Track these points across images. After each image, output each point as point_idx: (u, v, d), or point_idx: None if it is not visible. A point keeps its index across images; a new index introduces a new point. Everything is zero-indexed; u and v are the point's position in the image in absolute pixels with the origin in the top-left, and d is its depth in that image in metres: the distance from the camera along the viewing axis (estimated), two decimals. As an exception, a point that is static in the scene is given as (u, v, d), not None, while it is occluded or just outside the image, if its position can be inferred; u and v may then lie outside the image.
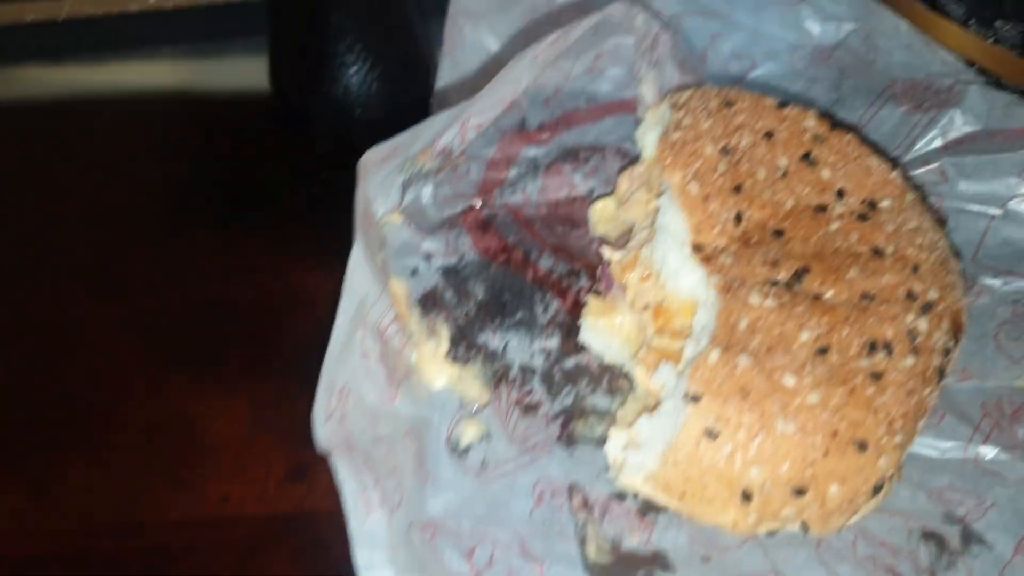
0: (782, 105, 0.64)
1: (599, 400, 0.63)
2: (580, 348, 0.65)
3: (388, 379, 0.56)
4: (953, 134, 0.74)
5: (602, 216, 0.72)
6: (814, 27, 0.84)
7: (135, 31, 0.96)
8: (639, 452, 0.52)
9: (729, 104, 0.63)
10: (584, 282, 0.69)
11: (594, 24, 0.64)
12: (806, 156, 0.61)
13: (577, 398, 0.63)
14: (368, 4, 0.71)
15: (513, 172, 0.78)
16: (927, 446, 0.59)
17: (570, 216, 0.76)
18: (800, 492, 0.49)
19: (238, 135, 0.83)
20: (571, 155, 0.79)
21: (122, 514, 0.57)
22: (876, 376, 0.51)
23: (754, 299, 0.52)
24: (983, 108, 0.73)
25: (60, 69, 0.93)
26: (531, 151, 0.80)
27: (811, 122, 0.63)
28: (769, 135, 0.62)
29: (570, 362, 0.65)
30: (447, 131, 0.64)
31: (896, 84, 0.79)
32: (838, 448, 0.48)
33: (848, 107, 0.80)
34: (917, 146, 0.76)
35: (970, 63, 0.78)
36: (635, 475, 0.52)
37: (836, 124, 0.64)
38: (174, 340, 0.66)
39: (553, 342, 0.66)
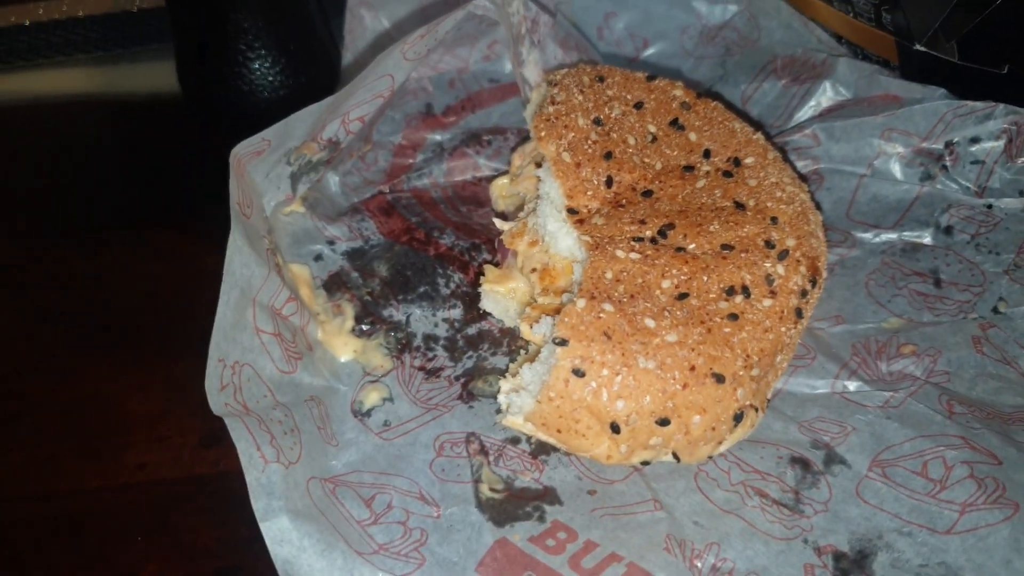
0: (651, 78, 0.68)
1: (499, 361, 0.67)
2: (482, 316, 0.69)
3: (285, 354, 0.60)
4: (825, 103, 0.80)
5: (501, 193, 0.77)
6: (702, 7, 0.89)
7: (47, 39, 0.99)
8: (520, 395, 0.56)
9: (601, 79, 0.68)
10: (485, 255, 0.74)
11: (462, 17, 0.68)
12: (674, 122, 0.66)
13: (479, 360, 0.67)
14: (266, 11, 0.75)
15: (420, 157, 0.82)
16: (802, 385, 0.64)
17: (475, 196, 0.80)
18: (664, 422, 0.53)
19: (148, 134, 0.87)
20: (475, 138, 0.83)
21: (36, 486, 0.60)
22: (734, 316, 0.55)
23: (620, 253, 0.57)
24: (851, 78, 0.79)
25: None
26: (437, 136, 0.84)
27: (679, 92, 0.68)
28: (639, 105, 0.66)
29: (472, 329, 0.69)
30: (328, 124, 0.68)
31: (777, 60, 0.85)
32: (696, 381, 0.53)
33: (732, 82, 0.86)
34: (796, 115, 0.81)
35: (839, 38, 0.84)
36: (518, 415, 0.57)
37: (702, 94, 0.69)
38: (88, 328, 0.70)
39: (456, 312, 0.70)
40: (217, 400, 0.54)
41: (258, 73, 0.77)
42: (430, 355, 0.67)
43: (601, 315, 0.54)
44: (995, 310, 0.66)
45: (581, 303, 0.54)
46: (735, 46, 0.87)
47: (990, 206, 0.71)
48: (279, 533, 0.51)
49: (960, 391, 0.62)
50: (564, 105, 0.65)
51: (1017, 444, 0.57)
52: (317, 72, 0.81)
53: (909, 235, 0.72)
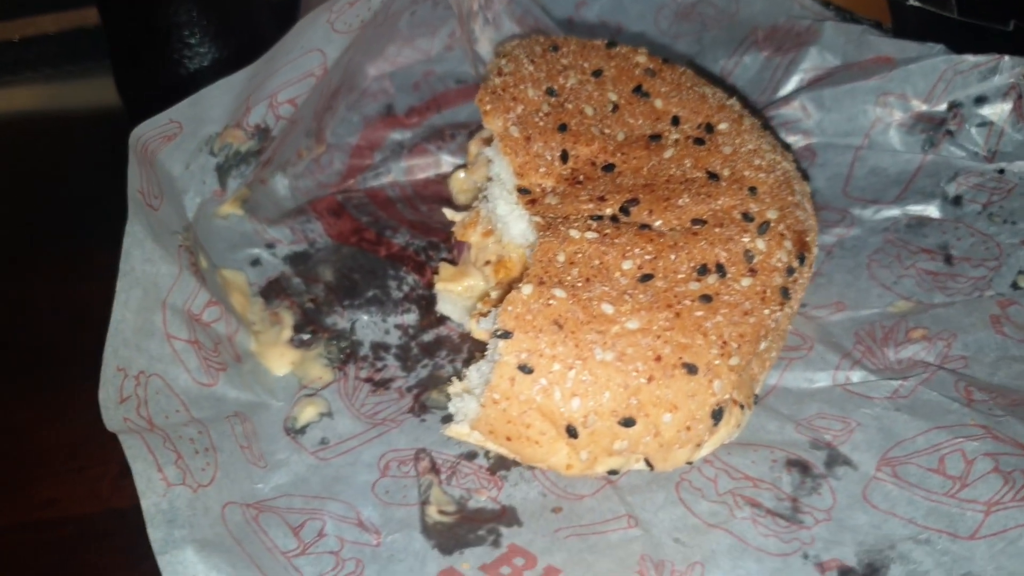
0: (611, 45, 0.62)
1: (458, 368, 0.60)
2: (440, 320, 0.62)
3: (203, 364, 0.53)
4: (814, 71, 0.73)
5: (460, 187, 0.70)
6: (677, -15, 0.82)
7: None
8: (465, 399, 0.49)
9: (556, 48, 0.61)
10: (444, 255, 0.67)
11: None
12: (637, 89, 0.59)
13: (435, 369, 0.60)
14: (199, 7, 0.69)
15: (378, 157, 0.76)
16: (799, 379, 0.57)
17: (438, 194, 0.74)
18: (628, 422, 0.46)
19: (89, 152, 0.82)
20: (437, 135, 0.77)
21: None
22: (706, 298, 0.48)
23: (574, 233, 0.50)
24: (839, 42, 0.72)
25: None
26: (396, 135, 0.77)
27: (642, 58, 0.61)
28: (597, 73, 0.60)
29: (429, 335, 0.62)
30: (254, 108, 0.61)
31: (758, 31, 0.78)
32: (663, 373, 0.45)
33: (710, 58, 0.79)
34: (783, 88, 0.74)
35: (826, 3, 0.77)
36: (463, 423, 0.49)
37: (667, 60, 0.62)
38: (8, 353, 0.63)
39: (410, 317, 0.63)
40: (114, 415, 0.47)
41: (200, 76, 0.71)
42: (379, 365, 0.60)
43: (551, 302, 0.47)
44: (1015, 285, 0.59)
45: (527, 289, 0.47)
46: (712, 21, 0.81)
47: (1002, 171, 0.64)
48: (181, 567, 0.44)
49: (980, 376, 0.54)
50: (512, 76, 0.58)
51: (1049, 432, 0.49)
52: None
53: (914, 209, 0.65)
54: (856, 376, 0.56)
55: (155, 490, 0.45)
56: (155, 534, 0.44)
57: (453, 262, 0.64)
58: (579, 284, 0.47)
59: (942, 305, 0.59)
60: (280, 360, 0.59)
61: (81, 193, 0.77)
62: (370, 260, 0.66)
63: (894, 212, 0.65)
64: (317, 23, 0.60)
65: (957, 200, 0.64)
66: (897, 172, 0.67)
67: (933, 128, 0.66)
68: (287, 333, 0.60)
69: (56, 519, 0.54)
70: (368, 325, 0.62)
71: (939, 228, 0.63)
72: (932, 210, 0.64)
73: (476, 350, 0.61)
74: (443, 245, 0.68)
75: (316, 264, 0.65)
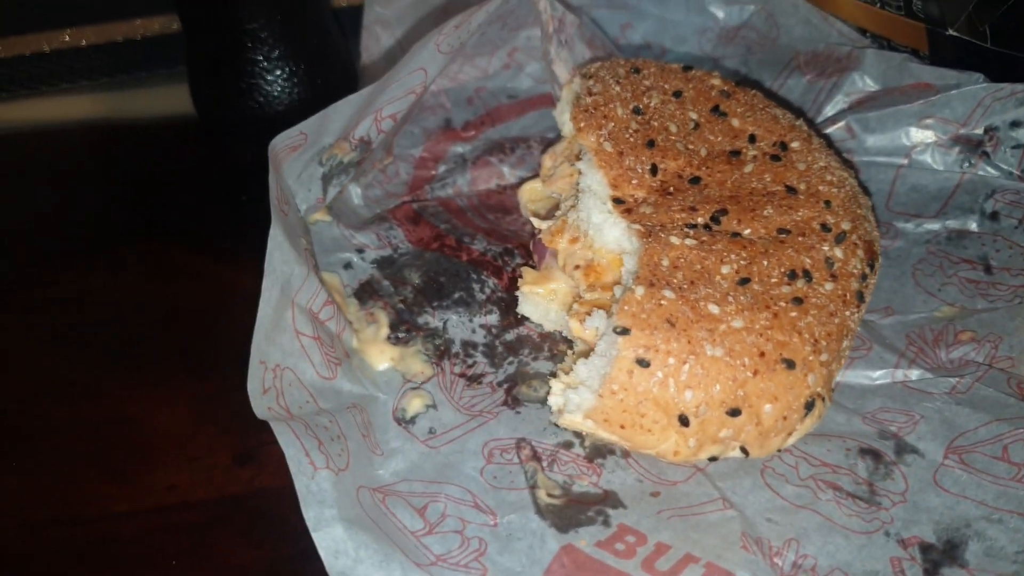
0: (687, 68, 0.67)
1: (541, 365, 0.64)
2: (519, 321, 0.67)
3: (325, 359, 0.57)
4: (855, 95, 0.78)
5: (531, 196, 0.74)
6: (719, 11, 0.88)
7: (50, 68, 0.98)
8: (578, 392, 0.53)
9: (637, 71, 0.66)
10: (519, 260, 0.71)
11: (496, 7, 0.66)
12: (715, 109, 0.64)
13: (520, 365, 0.64)
14: (283, 13, 0.73)
15: (442, 168, 0.80)
16: (860, 376, 0.62)
17: (501, 204, 0.78)
18: (735, 412, 0.50)
19: (155, 155, 0.85)
20: (497, 148, 0.81)
21: (61, 510, 0.56)
22: (798, 300, 0.53)
23: (674, 240, 0.54)
24: (880, 69, 0.78)
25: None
26: (458, 148, 0.82)
27: (716, 81, 0.66)
28: (677, 94, 0.65)
29: (511, 334, 0.66)
30: (361, 122, 0.66)
31: (799, 56, 0.83)
32: (767, 367, 0.50)
33: (756, 81, 0.84)
34: (825, 110, 0.79)
35: (863, 31, 0.83)
36: (575, 413, 0.53)
37: (740, 82, 0.67)
38: (108, 348, 0.66)
39: (493, 317, 0.67)
40: (260, 404, 0.51)
41: (275, 85, 0.75)
42: (470, 361, 0.64)
43: (662, 302, 0.51)
44: (1052, 292, 0.64)
45: (640, 290, 0.52)
46: (755, 45, 0.86)
47: (1036, 190, 0.70)
48: (333, 544, 0.47)
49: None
50: (602, 96, 0.63)
51: (1099, 422, 0.54)
52: (334, 80, 0.79)
53: (953, 223, 0.71)
54: (914, 374, 0.61)
55: (305, 472, 0.49)
56: (309, 513, 0.48)
57: (533, 267, 0.68)
58: (685, 286, 0.52)
59: (985, 310, 0.64)
60: (381, 356, 0.62)
61: (153, 197, 0.80)
62: (453, 264, 0.70)
63: (935, 226, 0.71)
64: (427, 44, 0.64)
65: (994, 215, 0.70)
66: (937, 189, 0.72)
67: (971, 149, 0.72)
68: (384, 331, 0.64)
69: (178, 504, 0.57)
70: (457, 324, 0.66)
71: (978, 240, 0.69)
72: (971, 224, 0.70)
73: (557, 348, 0.65)
74: (517, 251, 0.72)
75: (402, 268, 0.69)
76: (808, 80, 0.82)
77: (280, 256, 0.55)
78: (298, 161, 0.63)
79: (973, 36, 0.73)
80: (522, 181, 0.78)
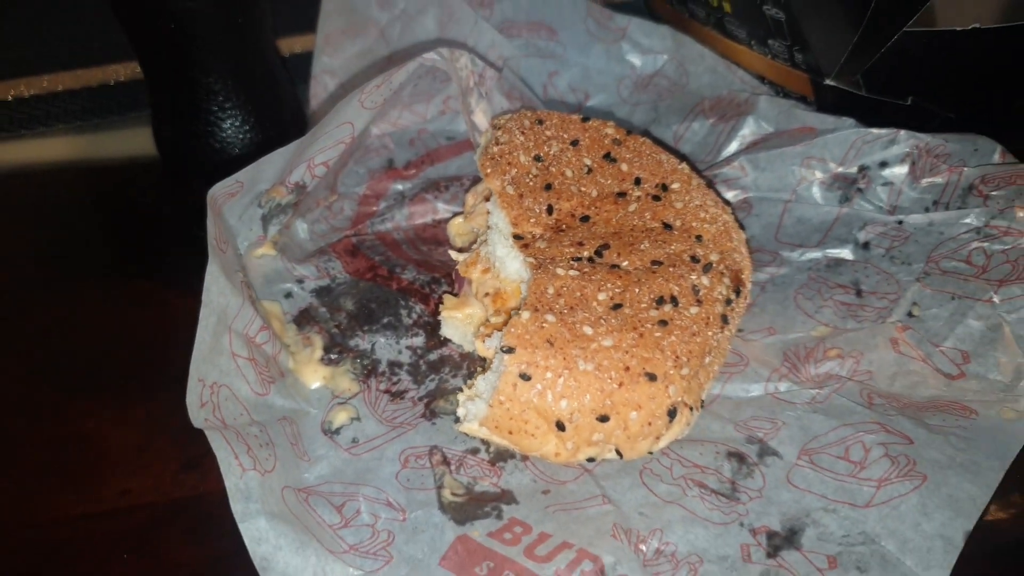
0: (585, 119, 0.76)
1: (460, 382, 0.72)
2: (443, 343, 0.75)
3: (259, 378, 0.65)
4: (750, 137, 0.88)
5: (457, 231, 0.83)
6: (635, 60, 0.97)
7: (29, 113, 1.06)
8: (475, 403, 0.62)
9: (541, 122, 0.75)
10: (444, 288, 0.80)
11: (414, 68, 0.75)
12: (607, 155, 0.73)
13: (440, 382, 0.72)
14: (235, 68, 0.82)
15: (383, 205, 0.89)
16: (737, 389, 0.70)
17: (434, 236, 0.87)
18: (604, 419, 0.59)
19: (124, 194, 0.95)
20: (434, 186, 0.90)
21: (20, 515, 0.64)
22: (663, 323, 0.61)
23: (560, 271, 0.63)
24: (772, 113, 0.87)
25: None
26: (399, 185, 0.91)
27: (610, 130, 0.75)
28: (575, 143, 0.74)
29: (434, 355, 0.74)
30: (295, 169, 0.74)
31: (705, 101, 0.93)
32: (631, 380, 0.59)
33: (665, 124, 0.94)
34: (724, 150, 0.89)
35: (762, 78, 0.92)
36: (473, 422, 0.62)
37: (631, 131, 0.76)
38: (69, 370, 0.74)
39: (418, 340, 0.75)
40: (198, 415, 0.59)
41: (229, 131, 0.83)
42: (394, 379, 0.72)
43: (544, 325, 0.60)
44: (909, 314, 0.73)
45: (526, 315, 0.60)
46: (666, 92, 0.96)
47: (901, 222, 0.78)
48: (257, 533, 0.55)
49: (880, 386, 0.68)
50: (507, 145, 0.72)
51: (928, 426, 0.63)
52: (284, 124, 0.87)
53: (832, 252, 0.79)
54: (783, 387, 0.69)
55: (234, 473, 0.57)
56: (236, 507, 0.56)
57: (454, 294, 0.77)
58: (565, 311, 0.61)
59: (853, 330, 0.73)
60: (314, 375, 0.71)
61: (119, 231, 0.88)
62: (384, 292, 0.78)
63: (816, 254, 0.80)
64: (351, 102, 0.73)
65: (866, 245, 0.78)
66: (819, 222, 0.81)
67: (847, 186, 0.81)
68: (318, 353, 0.72)
69: (130, 507, 0.64)
70: (384, 346, 0.74)
71: (852, 268, 0.78)
72: (846, 253, 0.79)
73: (475, 366, 0.73)
74: (443, 280, 0.81)
75: (338, 296, 0.78)
76: (711, 123, 0.91)
77: (216, 289, 0.63)
78: (238, 204, 0.72)
79: (848, 85, 0.83)
80: (454, 215, 0.87)
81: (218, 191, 0.68)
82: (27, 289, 0.83)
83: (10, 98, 1.05)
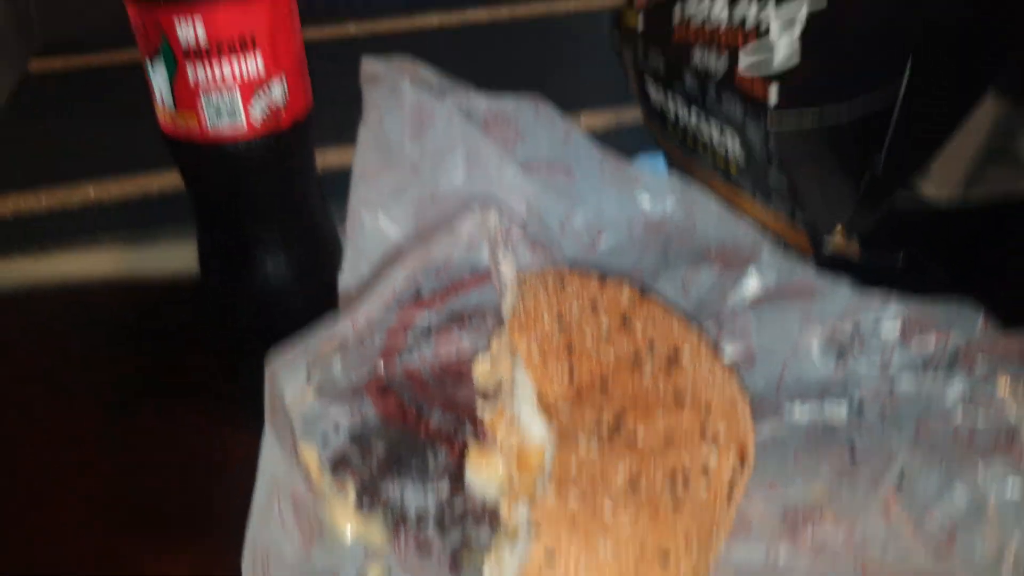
0: (603, 280, 0.82)
1: (482, 534, 0.77)
2: (466, 490, 0.80)
3: (303, 538, 0.70)
4: (753, 289, 0.94)
5: (482, 372, 0.89)
6: (646, 204, 1.04)
7: (76, 224, 1.11)
8: (504, 569, 0.67)
9: (562, 281, 0.81)
10: (469, 430, 0.85)
11: (451, 238, 0.81)
12: (623, 318, 0.79)
13: (464, 534, 0.77)
14: (281, 214, 0.88)
15: (410, 338, 0.94)
16: (740, 556, 0.75)
17: (459, 371, 0.92)
18: (621, 597, 0.64)
19: (172, 316, 0.99)
20: (458, 319, 0.96)
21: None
22: (676, 503, 0.67)
23: (582, 443, 0.69)
24: (774, 266, 0.93)
25: (6, 262, 1.07)
26: (425, 317, 0.96)
27: (626, 292, 0.81)
28: (594, 304, 0.80)
29: (458, 504, 0.80)
30: (340, 326, 0.80)
31: (711, 249, 0.99)
32: (646, 562, 0.64)
33: (673, 268, 1.00)
34: (728, 299, 0.95)
35: (765, 229, 0.99)
36: (499, 588, 0.67)
37: (644, 293, 0.82)
38: (121, 507, 0.79)
39: (443, 487, 0.80)
40: None
41: (272, 265, 0.90)
42: (422, 530, 0.77)
43: (568, 502, 0.65)
44: (901, 479, 0.78)
45: (551, 491, 0.66)
46: (674, 236, 1.02)
47: (892, 385, 0.84)
48: None
49: (874, 555, 0.73)
50: (532, 302, 0.78)
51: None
52: (324, 256, 0.94)
53: (829, 410, 0.84)
54: (783, 554, 0.74)
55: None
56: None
57: (479, 437, 0.82)
58: (587, 489, 0.66)
59: (848, 493, 0.78)
60: (347, 524, 0.76)
61: (160, 353, 0.94)
62: (412, 437, 0.84)
63: (815, 411, 0.85)
64: (396, 270, 0.79)
65: (861, 405, 0.84)
66: (816, 379, 0.87)
67: (843, 346, 0.87)
68: (352, 498, 0.77)
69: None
70: (412, 494, 0.79)
71: (848, 428, 0.83)
72: (843, 412, 0.84)
73: (496, 521, 0.78)
74: (467, 420, 0.86)
75: (369, 440, 0.83)
76: (717, 271, 0.97)
77: (271, 457, 0.68)
78: (290, 365, 0.78)
79: (843, 249, 0.90)
80: (477, 351, 0.92)
81: (278, 360, 0.74)
82: (73, 419, 0.87)
83: (60, 207, 1.10)
